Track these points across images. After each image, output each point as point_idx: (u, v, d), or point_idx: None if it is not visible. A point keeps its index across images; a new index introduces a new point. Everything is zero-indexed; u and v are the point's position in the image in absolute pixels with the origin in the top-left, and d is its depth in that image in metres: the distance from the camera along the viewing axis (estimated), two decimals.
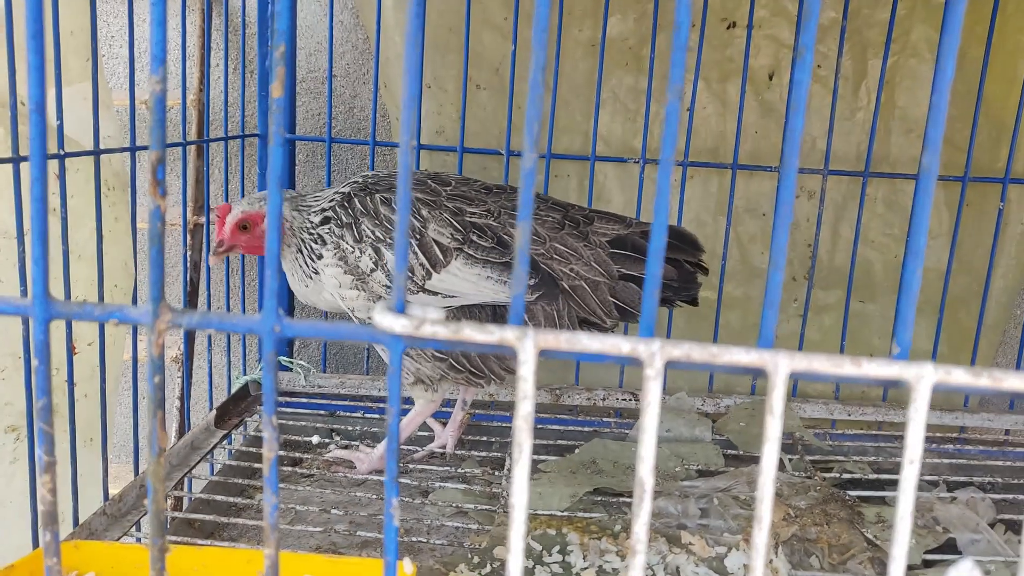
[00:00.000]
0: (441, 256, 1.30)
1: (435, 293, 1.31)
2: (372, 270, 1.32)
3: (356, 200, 1.34)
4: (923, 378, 0.45)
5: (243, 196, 1.78)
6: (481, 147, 1.76)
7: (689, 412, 1.74)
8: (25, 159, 0.97)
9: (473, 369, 1.38)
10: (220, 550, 0.95)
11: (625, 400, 1.79)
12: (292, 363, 1.82)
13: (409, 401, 1.47)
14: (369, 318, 1.36)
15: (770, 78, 1.79)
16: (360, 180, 1.40)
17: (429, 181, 1.36)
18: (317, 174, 1.97)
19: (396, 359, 0.53)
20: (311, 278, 1.38)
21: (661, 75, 1.77)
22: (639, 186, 1.74)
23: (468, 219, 1.31)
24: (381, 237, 1.31)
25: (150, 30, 0.46)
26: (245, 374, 1.78)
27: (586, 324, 1.35)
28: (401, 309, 0.52)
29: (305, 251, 1.36)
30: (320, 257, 1.35)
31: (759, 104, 1.80)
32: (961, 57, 1.77)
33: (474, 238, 1.30)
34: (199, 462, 1.45)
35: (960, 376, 0.44)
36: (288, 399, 1.78)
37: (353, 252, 1.33)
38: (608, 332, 1.35)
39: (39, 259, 0.49)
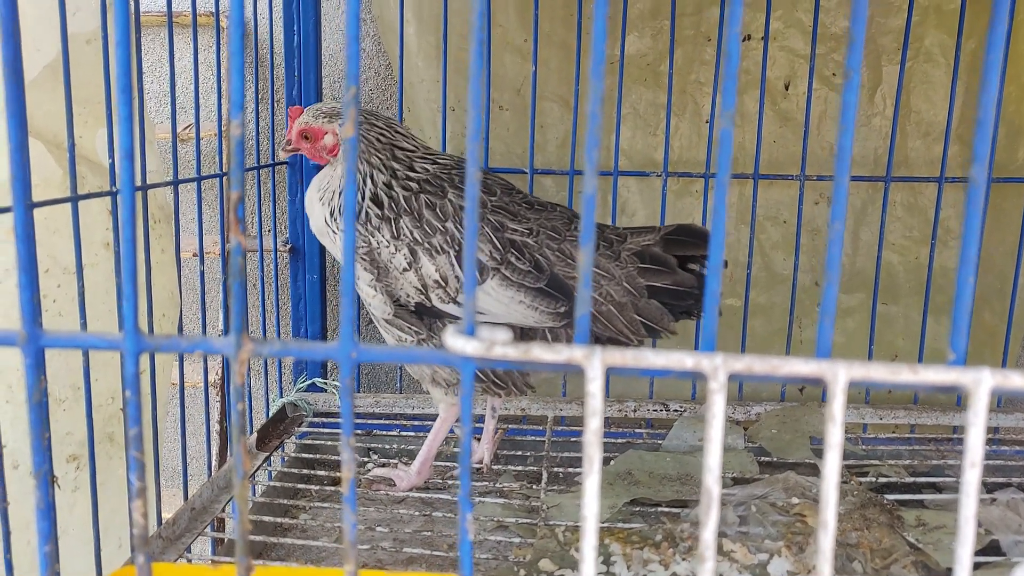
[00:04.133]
0: (478, 274, 1.31)
1: None
2: (404, 270, 1.32)
3: (401, 196, 1.32)
4: (981, 383, 0.47)
5: (272, 223, 1.81)
6: (506, 166, 1.78)
7: None
8: (83, 197, 1.01)
9: (496, 380, 1.39)
10: (302, 569, 0.97)
11: (656, 411, 1.80)
12: (327, 384, 1.85)
13: (481, 419, 1.49)
14: (388, 316, 1.36)
15: (786, 88, 1.81)
16: (435, 167, 1.36)
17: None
18: None
19: (468, 380, 0.55)
20: (336, 233, 1.37)
21: (679, 90, 1.80)
22: (662, 199, 1.76)
23: (508, 235, 1.31)
24: (419, 240, 1.32)
25: (230, 79, 0.49)
26: (282, 396, 1.80)
27: (612, 343, 1.36)
28: (471, 332, 0.54)
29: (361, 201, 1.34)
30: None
31: (776, 114, 1.81)
32: (975, 61, 1.78)
33: (512, 259, 1.29)
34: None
35: (1017, 380, 0.46)
36: (324, 419, 1.80)
37: (388, 248, 1.32)
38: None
39: (130, 296, 0.51)
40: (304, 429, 1.76)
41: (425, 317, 1.35)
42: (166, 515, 1.30)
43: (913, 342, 1.83)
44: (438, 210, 1.32)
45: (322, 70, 1.85)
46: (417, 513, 1.41)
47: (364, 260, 1.34)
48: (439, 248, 1.30)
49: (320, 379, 1.85)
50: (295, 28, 1.76)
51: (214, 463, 1.72)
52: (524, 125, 1.80)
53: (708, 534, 0.52)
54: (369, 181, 1.35)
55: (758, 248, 1.86)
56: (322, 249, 1.84)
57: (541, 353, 0.51)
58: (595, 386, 0.51)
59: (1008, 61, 1.73)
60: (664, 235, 1.33)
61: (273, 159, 1.76)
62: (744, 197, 1.83)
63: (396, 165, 1.35)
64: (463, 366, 0.53)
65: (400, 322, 1.36)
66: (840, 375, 0.50)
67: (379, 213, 1.33)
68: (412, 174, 1.35)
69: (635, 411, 1.80)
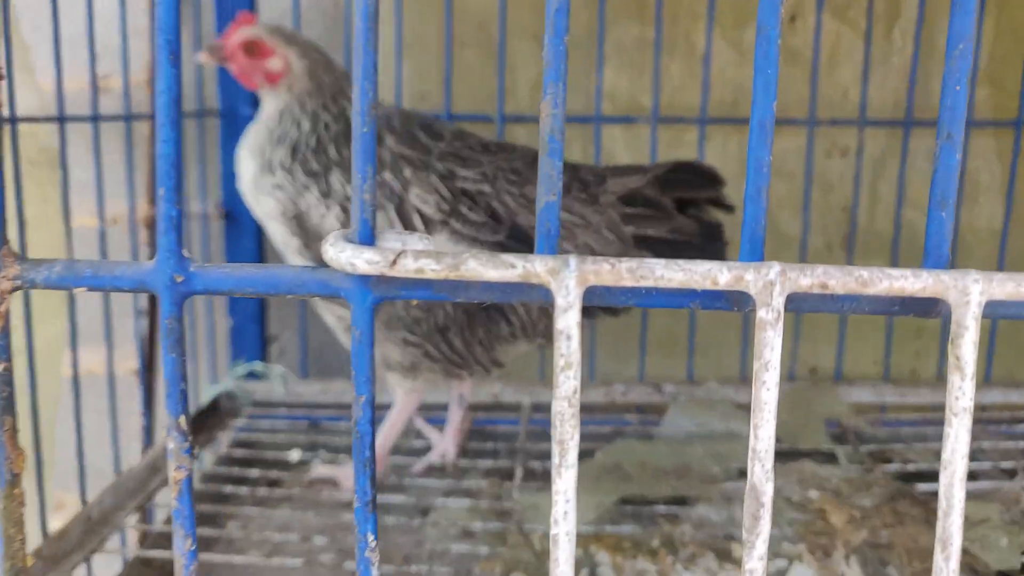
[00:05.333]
0: (423, 228, 1.13)
1: None
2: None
3: (332, 146, 1.17)
4: None
5: (200, 185, 1.61)
6: (470, 112, 1.59)
7: (722, 403, 1.57)
8: None
9: (454, 357, 1.20)
10: None
11: (648, 393, 1.62)
12: (267, 369, 1.65)
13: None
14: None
15: (792, 20, 1.63)
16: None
17: (420, 134, 1.19)
18: None
19: (364, 317, 0.36)
20: (262, 196, 1.21)
21: (670, 23, 1.61)
22: (652, 149, 1.58)
23: (459, 184, 1.14)
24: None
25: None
26: (216, 384, 1.61)
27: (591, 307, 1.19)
28: (368, 239, 0.35)
29: (290, 139, 1.20)
30: (275, 178, 1.19)
31: (781, 51, 1.63)
32: None
33: (463, 210, 1.13)
34: (160, 487, 1.27)
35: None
36: (264, 411, 1.61)
37: (318, 208, 1.15)
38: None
39: None
40: (242, 422, 1.56)
41: None
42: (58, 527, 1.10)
43: None
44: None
45: (258, 7, 1.65)
46: None
47: (291, 223, 1.17)
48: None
49: (260, 363, 1.66)
50: None
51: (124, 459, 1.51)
52: (491, 65, 1.61)
53: (757, 555, 0.34)
54: (302, 127, 1.17)
55: None
56: None
57: (482, 268, 0.32)
58: (569, 319, 0.32)
59: None
60: (658, 174, 1.14)
61: (201, 106, 1.55)
62: (744, 147, 1.64)
63: (330, 112, 1.20)
64: (357, 295, 0.34)
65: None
66: (973, 292, 0.32)
67: (307, 168, 1.16)
68: (345, 118, 1.18)
69: (624, 395, 1.62)
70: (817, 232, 1.69)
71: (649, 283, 0.31)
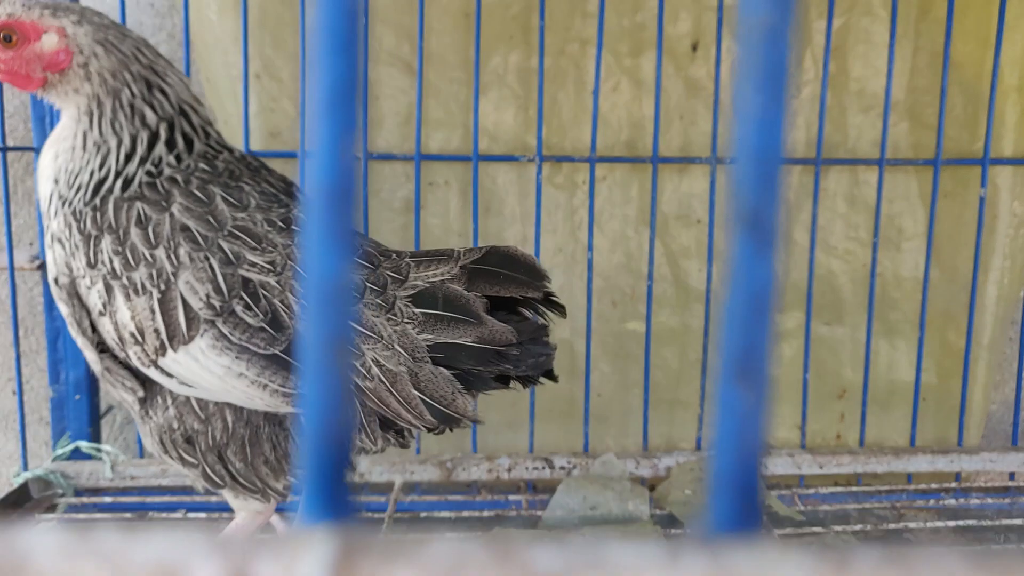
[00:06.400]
0: (184, 326, 0.93)
1: (170, 375, 0.97)
2: (100, 313, 0.97)
3: (112, 203, 0.97)
4: None
5: (5, 232, 1.40)
6: None
7: (620, 480, 1.41)
8: None
9: (242, 482, 1.01)
10: None
11: (538, 468, 1.46)
12: (97, 449, 1.45)
13: None
14: (98, 370, 1.02)
15: (694, 49, 1.50)
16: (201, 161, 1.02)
17: (219, 200, 0.97)
18: None
19: None
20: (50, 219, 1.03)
21: (556, 51, 1.46)
22: (537, 191, 1.42)
23: (243, 272, 0.93)
24: (118, 272, 0.95)
25: None
26: (26, 469, 1.40)
27: (392, 430, 0.99)
28: None
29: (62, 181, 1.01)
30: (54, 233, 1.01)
31: (683, 82, 1.50)
32: (922, 16, 1.50)
33: (238, 309, 0.92)
34: None
35: None
36: (88, 498, 1.40)
37: (84, 280, 0.97)
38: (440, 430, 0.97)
39: None
40: (59, 515, 1.35)
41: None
42: None
43: (862, 371, 1.53)
44: (151, 229, 0.95)
45: None
46: None
47: (60, 290, 0.99)
48: (140, 286, 0.94)
49: (86, 443, 1.45)
50: None
51: None
52: None
53: None
54: (107, 158, 1.00)
55: (667, 256, 1.54)
56: None
57: None
58: None
59: (960, 17, 1.45)
60: (467, 264, 0.94)
61: (3, 142, 1.36)
62: (644, 189, 1.50)
63: (137, 117, 1.00)
64: None
65: (112, 377, 1.00)
66: None
67: (79, 226, 0.98)
68: (150, 167, 0.99)
69: (510, 471, 1.45)
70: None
71: None
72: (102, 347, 1.00)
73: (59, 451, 1.44)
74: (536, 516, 1.37)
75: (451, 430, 0.98)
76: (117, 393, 1.03)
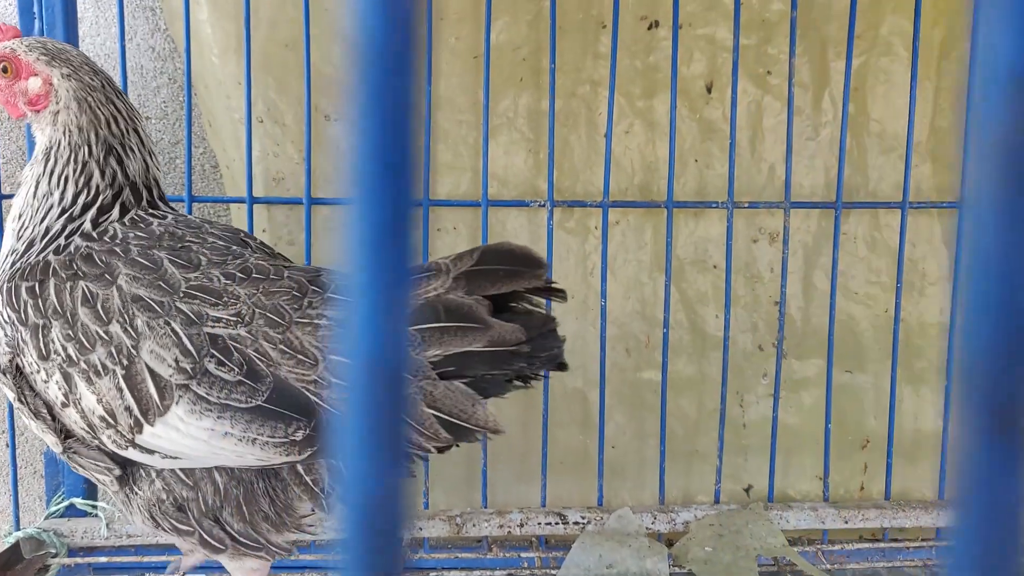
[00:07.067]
0: (158, 398, 0.91)
1: (151, 451, 0.94)
2: (64, 404, 0.95)
3: (52, 285, 0.95)
4: None
5: None
6: (335, 196, 1.40)
7: (637, 536, 1.37)
8: None
9: (243, 542, 0.98)
10: None
11: (551, 524, 1.41)
12: (93, 506, 1.41)
13: None
14: (60, 454, 1.00)
15: (708, 91, 1.48)
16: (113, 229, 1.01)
17: (168, 264, 0.95)
18: None
19: None
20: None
21: (567, 93, 1.45)
22: (548, 236, 1.40)
23: (208, 329, 0.91)
24: (74, 359, 0.92)
25: None
26: (18, 527, 1.36)
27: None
28: None
29: None
30: None
31: (697, 124, 1.48)
32: (944, 56, 1.49)
33: (211, 367, 0.90)
34: None
35: None
36: (83, 558, 1.36)
37: (40, 374, 0.95)
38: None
39: None
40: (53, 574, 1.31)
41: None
42: None
43: (886, 420, 1.49)
44: (99, 306, 0.93)
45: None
46: None
47: (6, 378, 0.98)
48: (101, 367, 0.91)
49: (81, 499, 1.41)
50: (34, 11, 1.38)
51: None
52: None
53: None
54: (64, 193, 1.02)
55: (683, 303, 1.51)
56: None
57: None
58: None
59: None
60: (464, 270, 0.92)
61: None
62: (659, 234, 1.48)
63: (98, 170, 1.02)
64: None
65: (80, 460, 0.98)
66: None
67: (20, 317, 0.95)
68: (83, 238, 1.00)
69: (521, 526, 1.41)
70: (744, 330, 1.51)
71: None
72: (67, 433, 0.98)
73: (52, 508, 1.41)
74: (550, 574, 1.33)
75: (457, 446, 0.95)
76: (88, 474, 1.01)
